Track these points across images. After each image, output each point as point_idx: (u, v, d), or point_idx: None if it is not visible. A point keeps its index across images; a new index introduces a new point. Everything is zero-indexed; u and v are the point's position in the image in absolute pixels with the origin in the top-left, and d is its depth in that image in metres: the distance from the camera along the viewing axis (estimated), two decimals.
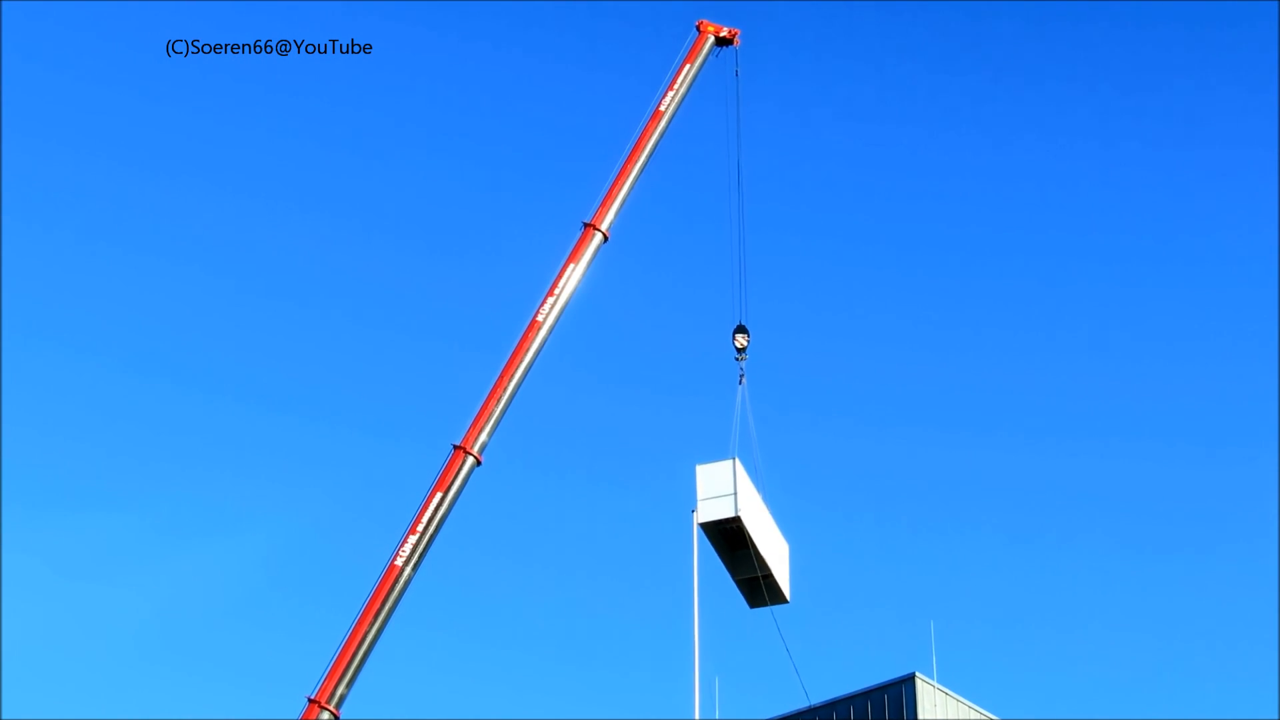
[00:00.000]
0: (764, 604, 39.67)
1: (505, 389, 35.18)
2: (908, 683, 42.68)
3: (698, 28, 42.30)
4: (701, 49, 41.96)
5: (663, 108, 40.24)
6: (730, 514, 37.90)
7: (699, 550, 38.85)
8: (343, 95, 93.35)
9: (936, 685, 42.88)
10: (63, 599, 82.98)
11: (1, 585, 73.50)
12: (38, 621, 79.99)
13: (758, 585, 39.36)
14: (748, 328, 40.90)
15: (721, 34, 42.50)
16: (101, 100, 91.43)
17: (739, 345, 40.80)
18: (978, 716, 43.69)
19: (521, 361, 35.57)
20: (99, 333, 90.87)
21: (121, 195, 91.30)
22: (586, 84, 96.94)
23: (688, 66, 41.38)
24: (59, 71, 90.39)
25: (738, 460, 38.56)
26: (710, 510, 38.06)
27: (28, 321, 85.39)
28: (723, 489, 38.19)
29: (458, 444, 34.23)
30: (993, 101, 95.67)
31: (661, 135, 39.96)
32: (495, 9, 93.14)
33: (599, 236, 37.76)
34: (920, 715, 42.03)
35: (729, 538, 38.62)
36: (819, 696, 43.67)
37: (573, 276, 37.04)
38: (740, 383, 40.44)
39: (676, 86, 40.82)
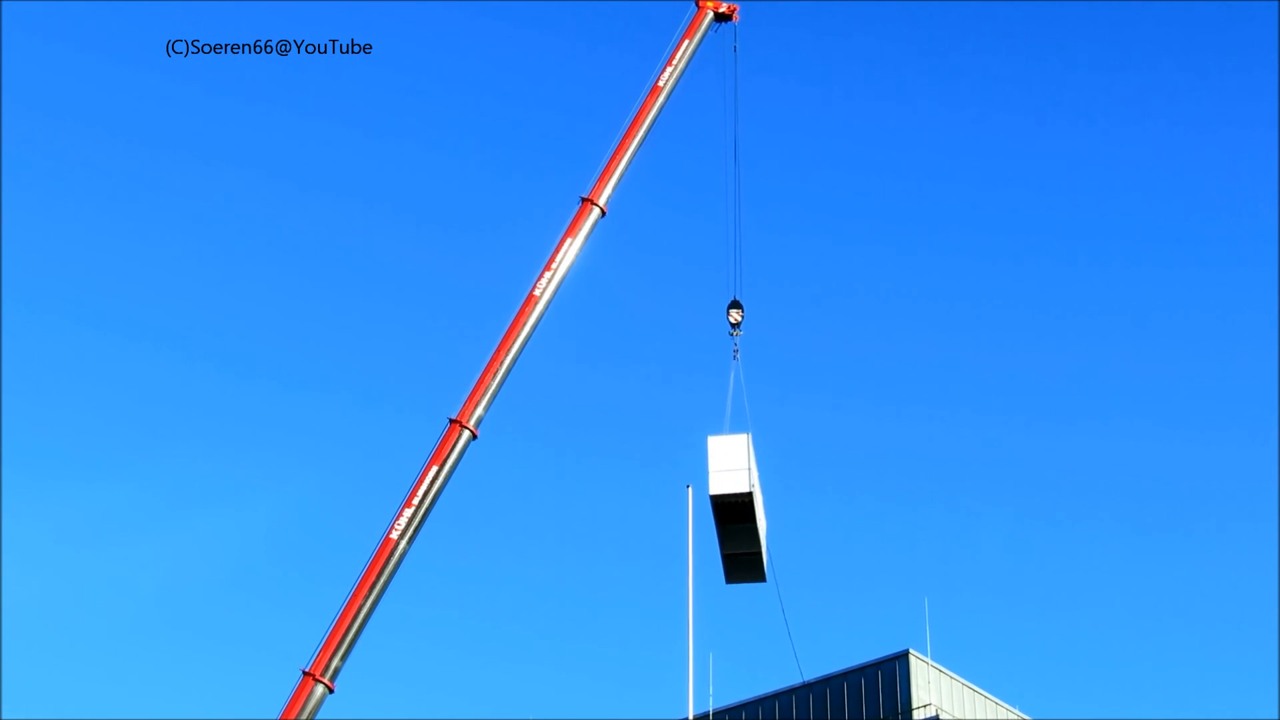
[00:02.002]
0: (742, 580, 39.67)
1: (501, 363, 35.12)
2: (901, 659, 42.84)
3: (696, 3, 41.95)
4: (700, 24, 41.70)
5: (661, 83, 40.02)
6: (744, 489, 37.87)
7: (694, 525, 38.88)
8: (343, 95, 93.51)
9: (930, 662, 43.00)
10: (63, 570, 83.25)
11: (2, 556, 73.68)
12: (38, 592, 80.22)
13: (743, 561, 39.33)
14: (742, 303, 40.89)
15: (720, 9, 42.26)
16: (102, 100, 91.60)
17: (734, 320, 40.73)
18: (971, 693, 43.83)
19: (518, 336, 35.50)
20: (99, 306, 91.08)
21: (123, 188, 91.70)
22: (585, 60, 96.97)
23: (686, 42, 41.14)
24: (59, 71, 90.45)
25: (750, 436, 38.54)
26: (722, 483, 37.97)
27: (29, 296, 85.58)
28: (736, 463, 38.12)
29: (454, 418, 34.23)
30: (992, 80, 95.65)
31: (659, 111, 39.78)
32: None
33: (596, 211, 37.65)
34: (914, 692, 42.17)
35: (729, 511, 38.53)
36: (813, 673, 43.85)
37: (570, 251, 36.94)
38: (735, 358, 40.45)
39: (675, 62, 40.60)
